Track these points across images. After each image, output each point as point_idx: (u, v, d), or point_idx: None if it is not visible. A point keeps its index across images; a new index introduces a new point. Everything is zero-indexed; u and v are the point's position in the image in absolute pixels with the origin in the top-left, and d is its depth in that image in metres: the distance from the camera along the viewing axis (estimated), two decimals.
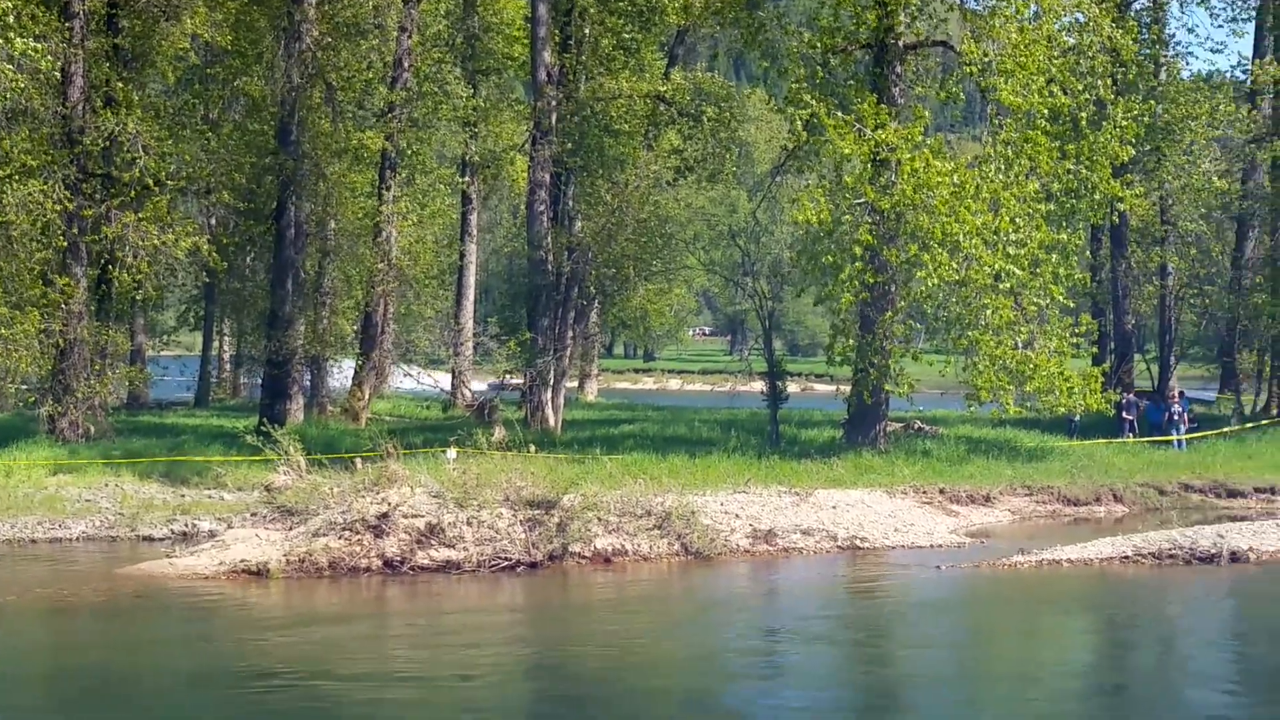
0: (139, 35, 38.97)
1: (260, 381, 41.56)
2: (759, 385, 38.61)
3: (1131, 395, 44.14)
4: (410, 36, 42.34)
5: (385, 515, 25.09)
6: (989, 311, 33.48)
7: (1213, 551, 26.96)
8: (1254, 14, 46.79)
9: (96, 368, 37.11)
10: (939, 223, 32.96)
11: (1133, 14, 43.38)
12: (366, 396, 42.16)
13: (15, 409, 40.06)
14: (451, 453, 28.75)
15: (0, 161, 33.28)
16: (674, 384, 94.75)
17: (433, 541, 25.12)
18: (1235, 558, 26.81)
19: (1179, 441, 40.99)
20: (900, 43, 35.92)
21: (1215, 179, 46.33)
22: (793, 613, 23.60)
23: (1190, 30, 77.75)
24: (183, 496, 29.65)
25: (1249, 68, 45.94)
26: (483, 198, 52.85)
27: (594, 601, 24.00)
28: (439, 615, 22.80)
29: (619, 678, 18.88)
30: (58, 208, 33.48)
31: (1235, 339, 48.61)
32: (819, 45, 35.97)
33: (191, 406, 49.87)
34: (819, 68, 35.81)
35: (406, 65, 42.18)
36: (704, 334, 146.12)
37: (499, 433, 33.17)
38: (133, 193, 36.67)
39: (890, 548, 28.46)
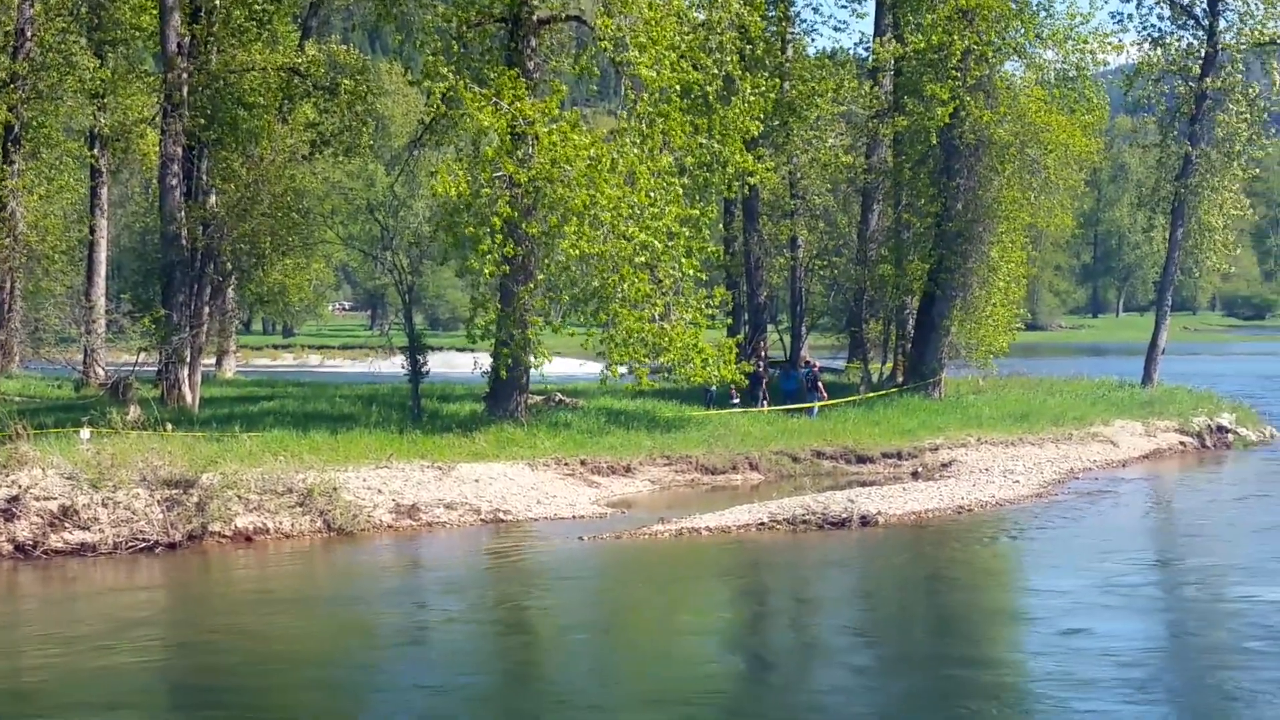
0: None
1: None
2: (400, 359, 38.71)
3: (767, 364, 45.69)
4: (32, 5, 41.18)
5: (15, 498, 24.65)
6: (626, 285, 34.34)
7: (844, 516, 28.43)
8: None
9: None
10: (577, 195, 33.70)
11: None
12: None
13: None
14: (85, 433, 28.18)
15: None
16: (314, 359, 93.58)
17: (67, 524, 24.76)
18: (865, 521, 28.37)
19: (812, 409, 42.60)
20: (535, 17, 36.46)
21: (841, 154, 48.23)
22: (435, 589, 23.99)
23: (815, 9, 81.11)
24: None
25: (870, 46, 47.66)
26: (113, 171, 51.54)
27: (234, 581, 23.95)
28: (73, 600, 22.51)
29: (256, 660, 19.04)
30: None
31: (862, 309, 50.42)
32: (454, 19, 36.19)
33: None
34: (454, 41, 36.09)
35: (29, 35, 41.03)
36: (344, 309, 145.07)
37: (134, 412, 32.81)
38: None
39: (533, 520, 29.05)
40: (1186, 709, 16.84)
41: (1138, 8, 52.95)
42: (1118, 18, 57.59)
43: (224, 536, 25.90)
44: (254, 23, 40.37)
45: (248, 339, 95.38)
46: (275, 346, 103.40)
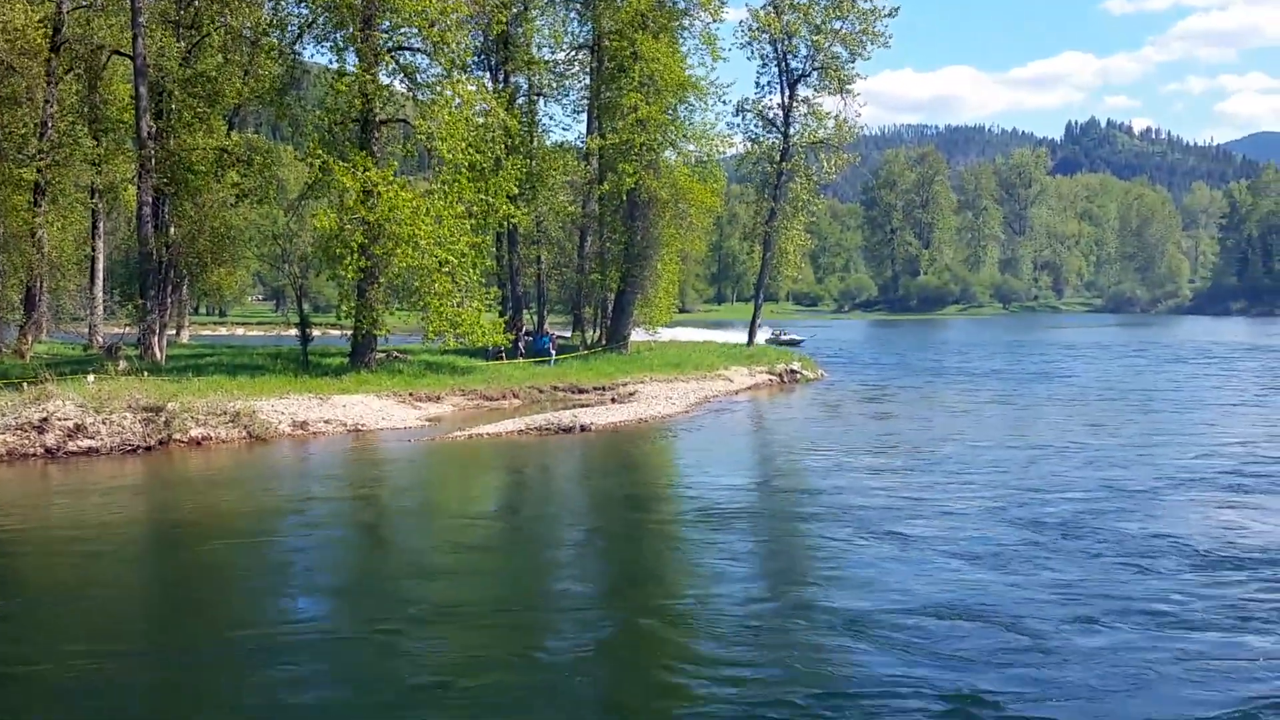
0: None
1: None
2: (295, 331, 38.06)
3: (524, 333, 46.07)
4: (52, 106, 39.28)
5: (45, 419, 24.01)
6: (435, 284, 34.47)
7: (571, 425, 28.89)
8: (586, 107, 49.19)
9: None
10: (404, 229, 33.70)
11: (517, 106, 44.96)
12: (30, 342, 39.11)
13: None
14: (90, 378, 27.29)
15: None
16: (240, 331, 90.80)
17: (79, 435, 24.18)
18: (584, 428, 28.87)
19: (551, 359, 43.13)
20: (377, 119, 36.22)
21: (568, 205, 48.80)
22: (317, 471, 23.91)
23: (551, 117, 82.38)
24: None
25: (585, 140, 48.31)
26: (107, 212, 49.02)
27: (190, 469, 23.46)
28: (86, 482, 21.80)
29: (202, 507, 19.04)
30: None
31: (581, 300, 51.05)
32: (326, 119, 35.85)
33: None
34: (327, 133, 35.72)
35: (50, 125, 39.05)
36: (259, 299, 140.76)
37: (123, 364, 31.80)
38: None
39: (379, 429, 29.01)
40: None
41: (743, 120, 54.51)
42: (732, 126, 59.36)
43: (182, 442, 25.47)
44: (197, 119, 39.06)
45: (196, 318, 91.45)
46: (215, 323, 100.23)
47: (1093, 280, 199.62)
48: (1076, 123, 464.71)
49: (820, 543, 16.23)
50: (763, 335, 74.93)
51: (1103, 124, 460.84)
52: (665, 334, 54.49)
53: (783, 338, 74.31)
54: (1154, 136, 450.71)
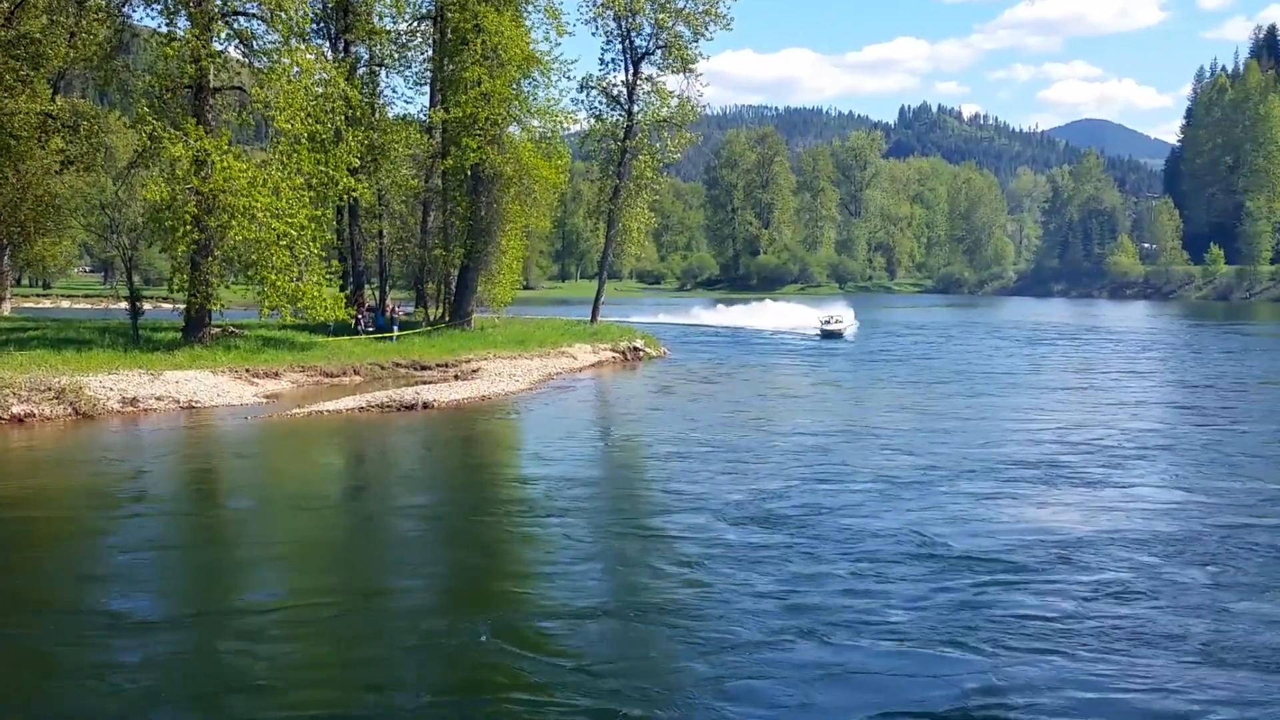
0: None
1: None
2: (124, 304, 36.77)
3: (365, 308, 45.50)
4: None
5: None
6: (273, 258, 33.79)
7: (414, 402, 28.69)
8: (429, 80, 48.71)
9: None
10: (240, 201, 32.94)
11: (358, 77, 44.23)
12: None
13: None
14: None
15: None
16: (65, 304, 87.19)
17: None
18: (427, 405, 28.68)
19: (394, 336, 42.67)
20: (211, 86, 35.20)
21: (410, 179, 48.22)
22: (149, 446, 23.12)
23: (393, 89, 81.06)
24: None
25: (428, 112, 47.82)
26: None
27: (10, 446, 22.39)
28: None
29: (26, 479, 18.39)
30: None
31: (424, 275, 50.59)
32: (157, 85, 34.65)
33: None
34: (157, 99, 34.54)
35: None
36: (86, 271, 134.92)
37: None
38: None
39: (215, 407, 28.35)
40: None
41: (587, 97, 54.67)
42: (576, 102, 59.50)
43: (3, 419, 24.46)
44: (20, 82, 37.23)
45: (18, 290, 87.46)
46: (39, 295, 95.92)
47: (924, 262, 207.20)
48: (909, 107, 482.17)
49: (565, 539, 15.19)
50: (805, 318, 72.96)
51: (934, 109, 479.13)
52: (508, 310, 54.49)
53: (831, 327, 63.64)
54: (982, 122, 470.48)
